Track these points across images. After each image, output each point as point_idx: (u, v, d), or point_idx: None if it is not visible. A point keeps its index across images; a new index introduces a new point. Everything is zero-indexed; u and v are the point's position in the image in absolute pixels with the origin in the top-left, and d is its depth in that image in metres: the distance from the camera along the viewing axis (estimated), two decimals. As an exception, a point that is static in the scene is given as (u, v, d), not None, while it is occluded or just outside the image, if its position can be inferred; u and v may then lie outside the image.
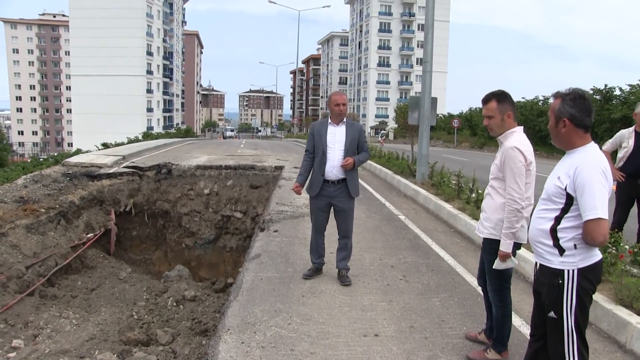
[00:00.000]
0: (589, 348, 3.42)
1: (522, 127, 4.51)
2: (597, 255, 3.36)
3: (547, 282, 3.41)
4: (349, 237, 6.86)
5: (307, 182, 6.90)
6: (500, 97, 4.45)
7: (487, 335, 4.91)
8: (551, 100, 3.55)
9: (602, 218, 3.13)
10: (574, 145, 3.37)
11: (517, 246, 4.48)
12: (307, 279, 6.82)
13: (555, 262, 3.36)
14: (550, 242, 3.38)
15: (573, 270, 3.30)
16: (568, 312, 3.31)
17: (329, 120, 6.71)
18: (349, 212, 6.80)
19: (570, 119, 3.33)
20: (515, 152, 4.22)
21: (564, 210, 3.32)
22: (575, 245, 3.29)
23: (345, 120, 6.69)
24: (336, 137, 6.62)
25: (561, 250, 3.33)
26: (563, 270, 3.32)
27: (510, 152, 4.25)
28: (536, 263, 3.60)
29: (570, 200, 3.28)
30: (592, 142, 3.40)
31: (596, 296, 3.45)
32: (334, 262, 7.09)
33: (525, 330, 5.19)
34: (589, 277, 3.32)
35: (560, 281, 3.32)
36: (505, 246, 4.30)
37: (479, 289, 6.40)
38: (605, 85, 33.32)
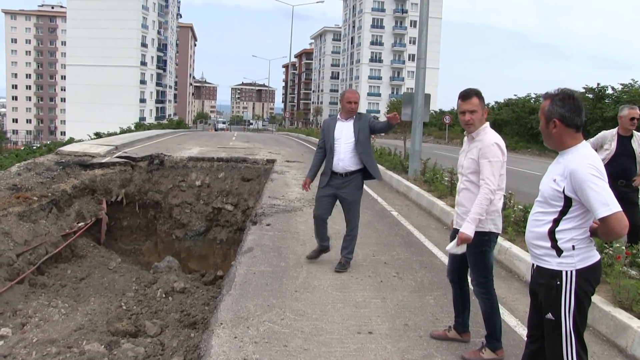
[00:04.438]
0: (587, 351, 3.39)
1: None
2: (595, 256, 3.33)
3: (545, 283, 3.36)
4: (352, 228, 7.09)
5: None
6: (479, 93, 4.61)
7: (459, 330, 4.92)
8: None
9: (617, 211, 3.08)
10: (566, 146, 3.34)
11: (496, 236, 4.62)
12: (310, 259, 7.03)
13: (553, 263, 3.32)
14: (548, 244, 3.34)
15: (571, 272, 3.26)
16: (566, 313, 3.27)
17: (338, 116, 7.06)
18: (353, 203, 7.02)
19: (560, 119, 3.31)
20: (496, 148, 4.42)
21: (562, 213, 3.30)
22: (573, 247, 3.27)
23: (354, 115, 7.02)
24: (343, 132, 6.91)
25: (559, 252, 3.30)
26: (561, 272, 3.29)
27: (492, 148, 4.43)
28: (533, 264, 3.55)
29: (568, 203, 3.26)
30: (584, 141, 3.38)
31: (594, 298, 3.41)
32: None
33: (521, 330, 5.17)
34: (588, 278, 3.29)
35: (559, 282, 3.28)
36: (470, 230, 4.38)
37: (473, 287, 6.40)
38: (598, 84, 33.28)
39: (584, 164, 3.18)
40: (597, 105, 31.53)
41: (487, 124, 4.61)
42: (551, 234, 3.33)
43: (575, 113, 3.30)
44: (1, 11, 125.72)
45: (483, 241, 4.47)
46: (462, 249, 4.46)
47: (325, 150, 7.03)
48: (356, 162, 6.87)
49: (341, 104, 7.06)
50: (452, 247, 4.52)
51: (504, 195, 9.58)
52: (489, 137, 4.49)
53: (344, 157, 6.83)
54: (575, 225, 3.27)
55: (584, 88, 33.42)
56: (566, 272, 3.27)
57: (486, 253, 4.56)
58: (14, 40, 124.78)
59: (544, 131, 3.43)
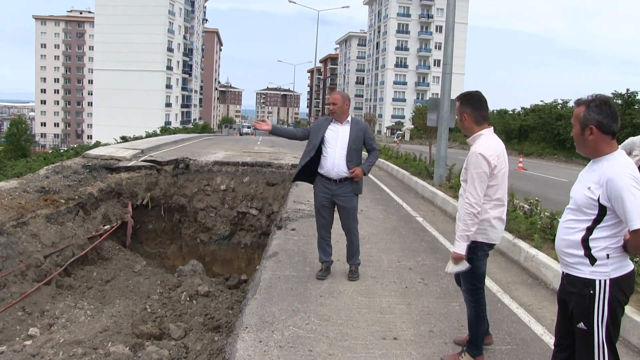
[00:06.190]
0: (620, 361, 3.32)
1: (492, 128, 4.47)
2: (629, 265, 3.26)
3: (577, 292, 3.29)
4: (353, 233, 6.92)
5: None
6: (462, 98, 4.50)
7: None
8: (570, 105, 3.44)
9: None
10: (601, 153, 3.25)
11: (489, 246, 4.50)
12: (321, 279, 6.78)
13: (586, 271, 3.24)
14: (581, 252, 3.26)
15: (605, 281, 3.19)
16: (599, 323, 3.20)
17: (333, 119, 6.80)
18: (351, 210, 6.83)
19: (597, 125, 3.22)
20: (479, 159, 4.21)
21: (596, 221, 3.21)
22: (608, 255, 3.19)
23: (350, 119, 6.77)
24: (338, 136, 6.68)
25: (592, 260, 3.22)
26: (594, 280, 3.21)
27: (473, 158, 4.24)
28: (563, 272, 3.48)
29: (603, 211, 3.17)
30: (619, 148, 3.29)
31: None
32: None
33: (548, 339, 5.08)
34: (622, 288, 3.21)
35: (592, 291, 3.21)
36: (459, 248, 4.30)
37: (499, 294, 6.34)
38: (627, 90, 32.85)
39: (623, 172, 3.10)
40: (627, 111, 31.10)
41: (486, 130, 4.39)
42: (584, 242, 3.25)
43: (612, 119, 3.22)
44: (32, 17, 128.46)
45: (472, 248, 4.37)
46: (462, 267, 4.36)
47: (308, 140, 6.84)
48: (350, 168, 6.66)
49: None
50: (450, 268, 4.43)
51: (531, 202, 9.52)
52: (475, 146, 4.32)
53: (339, 163, 6.58)
54: (610, 234, 3.19)
55: (613, 94, 33.01)
56: (600, 281, 3.20)
57: (473, 261, 4.41)
58: (44, 45, 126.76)
59: (579, 138, 3.34)
